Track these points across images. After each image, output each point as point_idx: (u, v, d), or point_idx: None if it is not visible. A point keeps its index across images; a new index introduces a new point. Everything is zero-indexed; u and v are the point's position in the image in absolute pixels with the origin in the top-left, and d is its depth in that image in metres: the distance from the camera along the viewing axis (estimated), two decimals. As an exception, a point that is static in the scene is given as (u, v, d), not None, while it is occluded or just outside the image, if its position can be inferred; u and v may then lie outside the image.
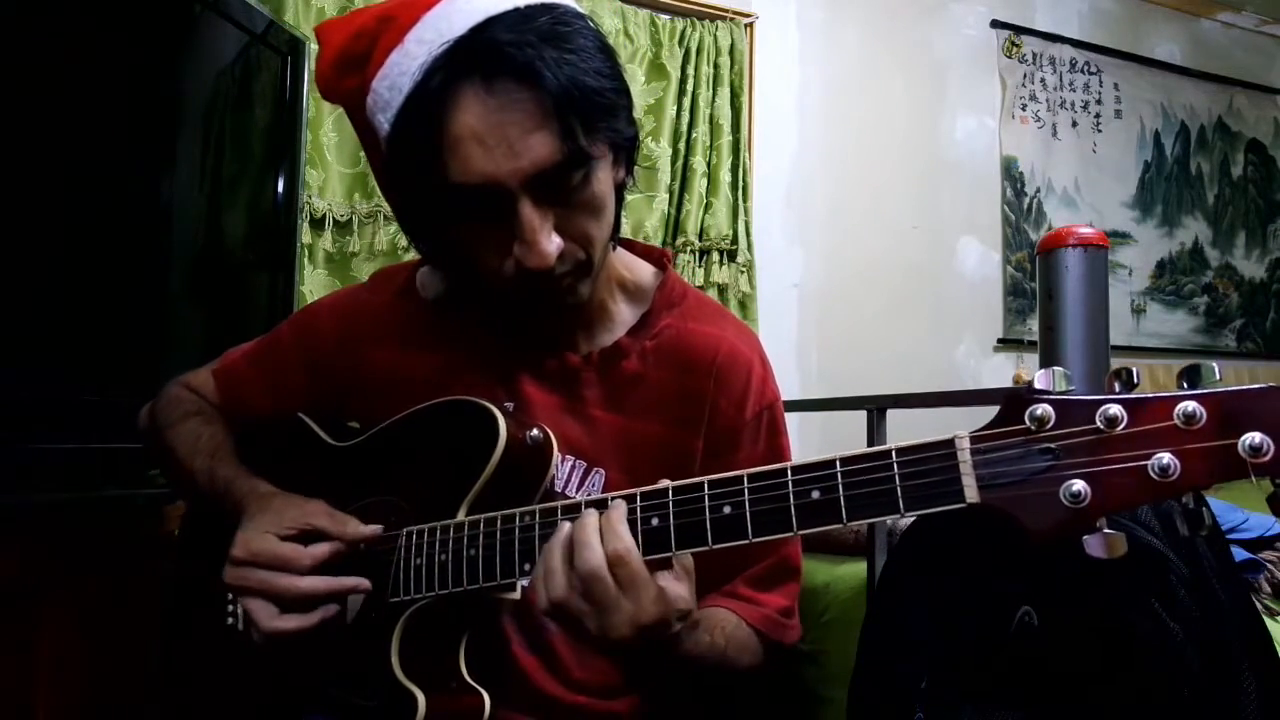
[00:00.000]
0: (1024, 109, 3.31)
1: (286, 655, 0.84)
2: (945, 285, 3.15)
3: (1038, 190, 3.31)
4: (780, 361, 2.83)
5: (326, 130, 2.23)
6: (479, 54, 0.74)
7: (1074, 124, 3.40)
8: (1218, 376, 0.55)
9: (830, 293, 2.95)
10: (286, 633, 0.80)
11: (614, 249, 0.93)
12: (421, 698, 0.79)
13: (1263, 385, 0.54)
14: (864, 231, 3.02)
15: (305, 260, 2.20)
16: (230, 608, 0.93)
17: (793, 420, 2.41)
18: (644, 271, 0.99)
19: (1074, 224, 1.69)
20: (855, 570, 1.52)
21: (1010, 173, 3.27)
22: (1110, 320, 1.56)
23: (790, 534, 0.66)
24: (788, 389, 2.82)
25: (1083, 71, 3.43)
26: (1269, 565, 1.47)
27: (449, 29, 0.75)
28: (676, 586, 0.72)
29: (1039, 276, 1.60)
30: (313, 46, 1.89)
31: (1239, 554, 1.44)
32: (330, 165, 2.24)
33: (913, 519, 1.17)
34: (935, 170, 3.16)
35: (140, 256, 1.49)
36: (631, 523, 0.71)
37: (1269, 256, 3.79)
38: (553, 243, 0.77)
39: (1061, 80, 3.39)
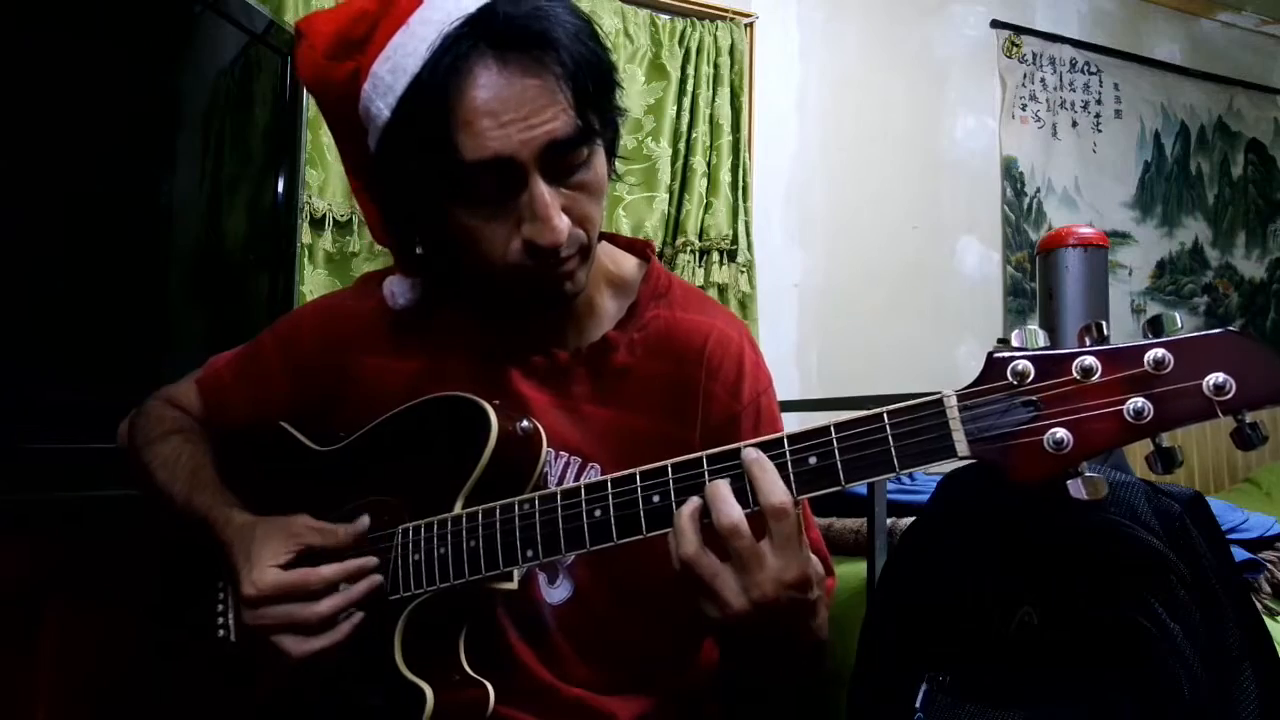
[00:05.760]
0: (1024, 109, 3.31)
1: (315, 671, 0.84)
2: (945, 285, 3.15)
3: (1038, 190, 3.31)
4: (780, 361, 2.84)
5: (326, 130, 2.22)
6: (493, 27, 0.74)
7: (1074, 124, 3.40)
8: (1179, 325, 0.60)
9: (830, 293, 2.95)
10: (320, 652, 0.81)
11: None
12: (429, 692, 0.79)
13: (1219, 330, 0.58)
14: (864, 231, 3.01)
15: (305, 260, 2.20)
16: (220, 620, 0.93)
17: (792, 420, 2.41)
18: (628, 264, 0.99)
19: (1074, 224, 1.69)
20: (855, 570, 1.51)
21: (1010, 173, 3.27)
22: (1110, 320, 1.56)
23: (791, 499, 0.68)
24: (788, 389, 2.82)
25: (1083, 71, 3.42)
26: (1269, 565, 1.47)
27: (458, 7, 0.75)
28: (808, 552, 0.71)
29: (1039, 276, 1.60)
30: (313, 46, 1.88)
31: (1239, 554, 1.43)
32: (330, 165, 2.24)
33: (911, 520, 1.17)
34: (935, 170, 3.16)
35: (140, 256, 1.49)
36: (634, 501, 0.72)
37: (1269, 256, 3.78)
38: (564, 220, 0.78)
39: (1061, 80, 3.39)
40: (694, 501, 0.70)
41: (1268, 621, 0.90)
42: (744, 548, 0.67)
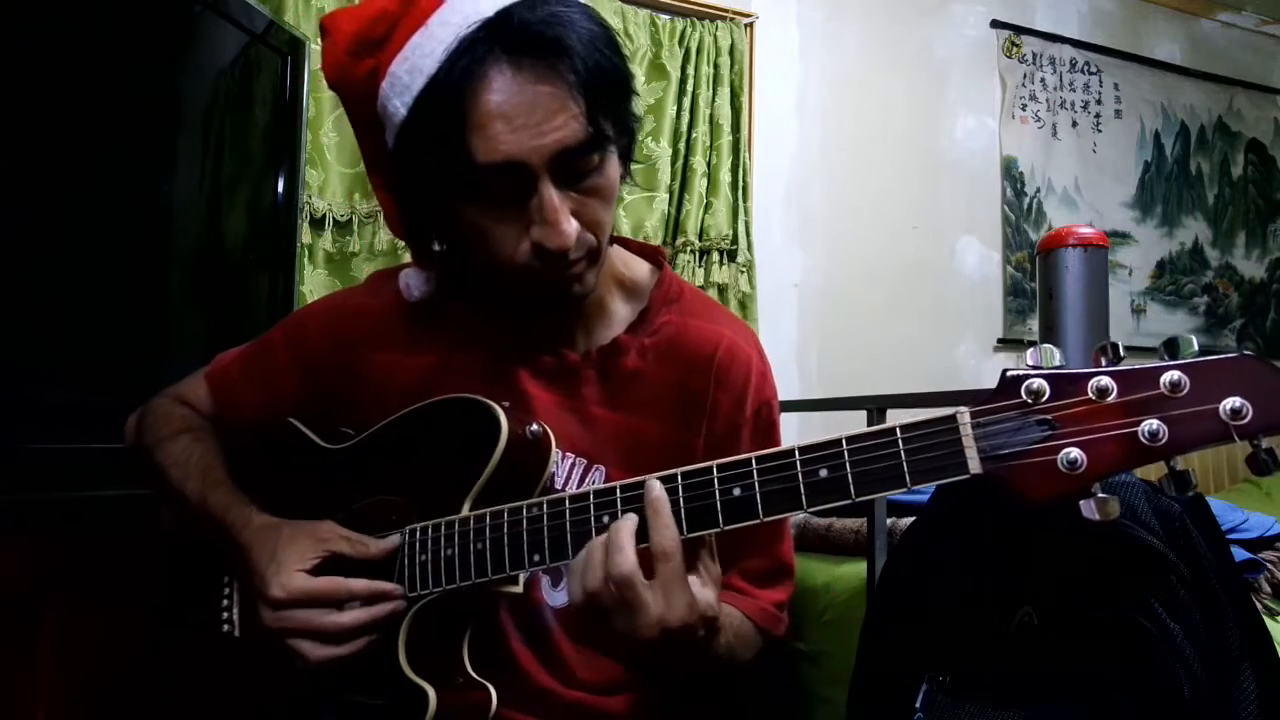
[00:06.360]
0: (1024, 109, 3.31)
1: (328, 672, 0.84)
2: (945, 285, 3.15)
3: (1038, 190, 3.31)
4: (780, 361, 2.84)
5: (326, 130, 2.23)
6: (509, 32, 0.75)
7: (1074, 124, 3.40)
8: (1195, 348, 0.59)
9: (830, 293, 2.95)
10: (336, 659, 0.81)
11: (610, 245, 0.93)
12: (432, 694, 0.79)
13: (1235, 353, 0.58)
14: (864, 231, 3.01)
15: (305, 260, 2.20)
16: (225, 615, 0.93)
17: (792, 420, 2.42)
18: (640, 269, 0.99)
19: (1074, 224, 1.69)
20: (855, 570, 1.52)
21: (1010, 173, 3.27)
22: (1110, 320, 1.56)
23: (800, 511, 0.68)
24: (788, 389, 2.82)
25: (1083, 71, 3.42)
26: (1269, 565, 1.47)
27: (475, 11, 0.76)
28: (705, 592, 0.72)
29: (1039, 276, 1.60)
30: (313, 46, 1.89)
31: (1239, 554, 1.43)
32: (330, 165, 2.24)
33: (911, 520, 1.17)
34: (935, 170, 3.16)
35: (140, 256, 1.49)
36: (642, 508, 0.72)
37: (1269, 256, 3.78)
38: (572, 224, 0.79)
39: (1061, 80, 3.39)
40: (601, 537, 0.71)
41: (1268, 621, 0.90)
42: (630, 595, 0.68)
